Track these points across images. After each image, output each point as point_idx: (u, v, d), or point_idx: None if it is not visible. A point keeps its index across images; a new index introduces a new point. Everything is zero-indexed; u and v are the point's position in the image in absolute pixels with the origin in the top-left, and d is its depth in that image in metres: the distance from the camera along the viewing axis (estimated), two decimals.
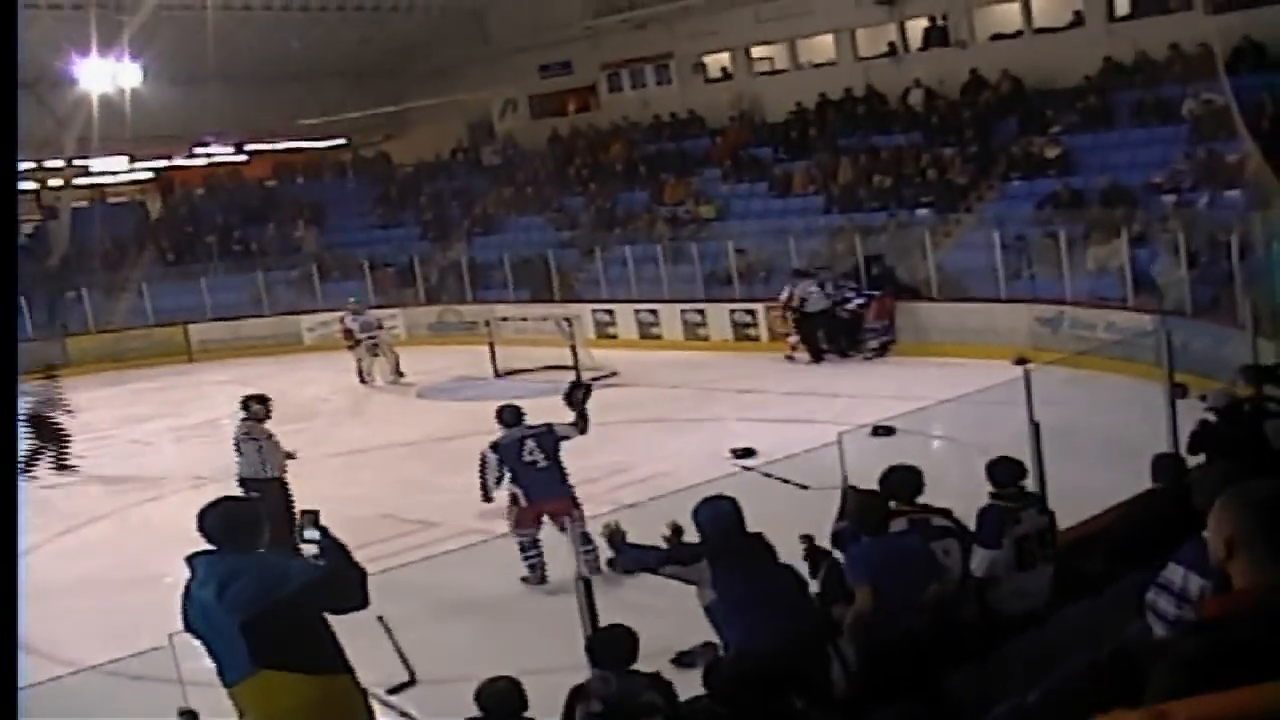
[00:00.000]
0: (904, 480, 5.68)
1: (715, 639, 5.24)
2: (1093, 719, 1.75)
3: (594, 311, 20.91)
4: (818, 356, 17.26)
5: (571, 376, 16.39)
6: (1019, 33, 20.90)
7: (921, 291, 17.65)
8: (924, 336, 17.07)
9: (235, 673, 4.06)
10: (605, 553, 6.06)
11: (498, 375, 18.14)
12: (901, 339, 17.27)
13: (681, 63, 25.24)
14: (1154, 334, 10.68)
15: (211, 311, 24.41)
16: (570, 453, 9.11)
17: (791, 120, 22.90)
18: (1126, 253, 15.13)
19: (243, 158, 29.91)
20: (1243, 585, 2.04)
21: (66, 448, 14.46)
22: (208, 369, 22.53)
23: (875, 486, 5.64)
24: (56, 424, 14.45)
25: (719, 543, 5.06)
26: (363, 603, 4.24)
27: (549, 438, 8.81)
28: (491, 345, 18.60)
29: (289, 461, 9.93)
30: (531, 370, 17.68)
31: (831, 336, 17.31)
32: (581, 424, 8.95)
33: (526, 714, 4.47)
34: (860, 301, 17.23)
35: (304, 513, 4.38)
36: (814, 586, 5.50)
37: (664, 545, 5.54)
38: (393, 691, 6.76)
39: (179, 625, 4.17)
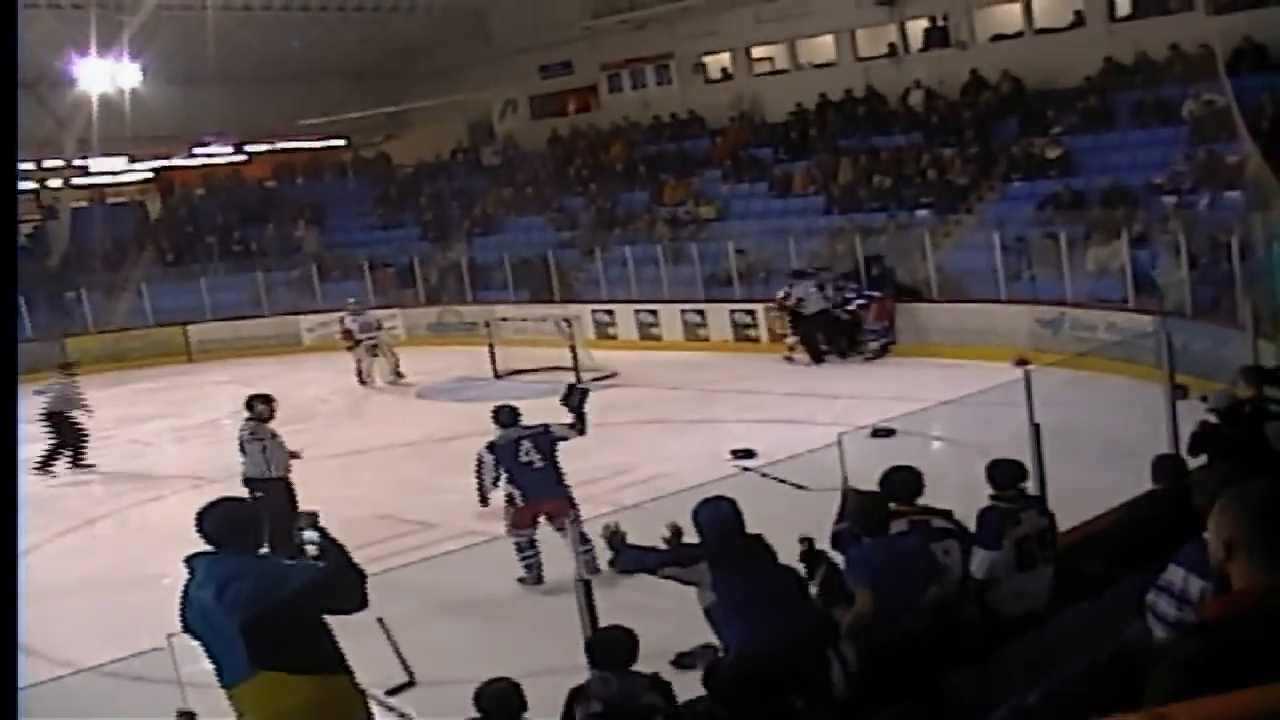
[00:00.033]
0: (904, 481, 5.67)
1: (715, 640, 5.23)
2: None
3: (594, 312, 20.91)
4: (817, 358, 17.25)
5: (571, 377, 16.46)
6: (1019, 33, 20.90)
7: (922, 292, 17.64)
8: (924, 338, 17.06)
9: (234, 674, 4.06)
10: (603, 552, 6.05)
11: (498, 376, 18.14)
12: (901, 340, 17.26)
13: (682, 63, 25.24)
14: (1154, 335, 10.66)
15: (211, 312, 24.41)
16: (570, 453, 9.11)
17: (791, 121, 22.90)
18: (1127, 254, 15.12)
19: (243, 158, 29.95)
20: (1242, 587, 2.04)
21: (84, 445, 14.52)
22: (208, 369, 22.53)
23: (875, 488, 5.63)
24: (75, 422, 14.51)
25: (718, 544, 5.05)
26: (362, 604, 4.24)
27: (545, 438, 8.80)
28: (491, 346, 18.59)
29: (292, 461, 9.94)
30: (531, 371, 17.68)
31: (831, 338, 17.30)
32: (579, 425, 8.94)
33: (526, 715, 4.46)
34: (860, 302, 17.22)
35: (302, 514, 4.38)
36: (812, 589, 5.49)
37: (664, 546, 5.54)
38: (392, 693, 6.76)
39: (178, 626, 4.17)
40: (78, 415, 14.57)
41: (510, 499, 8.77)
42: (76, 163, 26.25)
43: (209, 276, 25.11)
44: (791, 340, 17.59)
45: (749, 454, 11.54)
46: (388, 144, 30.75)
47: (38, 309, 22.69)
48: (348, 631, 4.32)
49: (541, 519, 8.68)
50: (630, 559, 5.51)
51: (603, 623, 5.15)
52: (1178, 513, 4.79)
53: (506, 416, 8.96)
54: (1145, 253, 15.38)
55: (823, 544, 5.77)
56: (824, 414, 13.17)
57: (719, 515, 5.08)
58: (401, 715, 6.57)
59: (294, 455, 9.94)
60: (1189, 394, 8.42)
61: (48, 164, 25.90)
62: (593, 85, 26.92)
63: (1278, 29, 16.79)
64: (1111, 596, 4.77)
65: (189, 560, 4.17)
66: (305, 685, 4.09)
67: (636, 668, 4.68)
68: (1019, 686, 3.89)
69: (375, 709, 4.67)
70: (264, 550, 4.40)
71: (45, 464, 14.25)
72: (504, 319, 20.09)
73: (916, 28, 22.05)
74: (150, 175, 30.28)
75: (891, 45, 22.29)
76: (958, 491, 6.17)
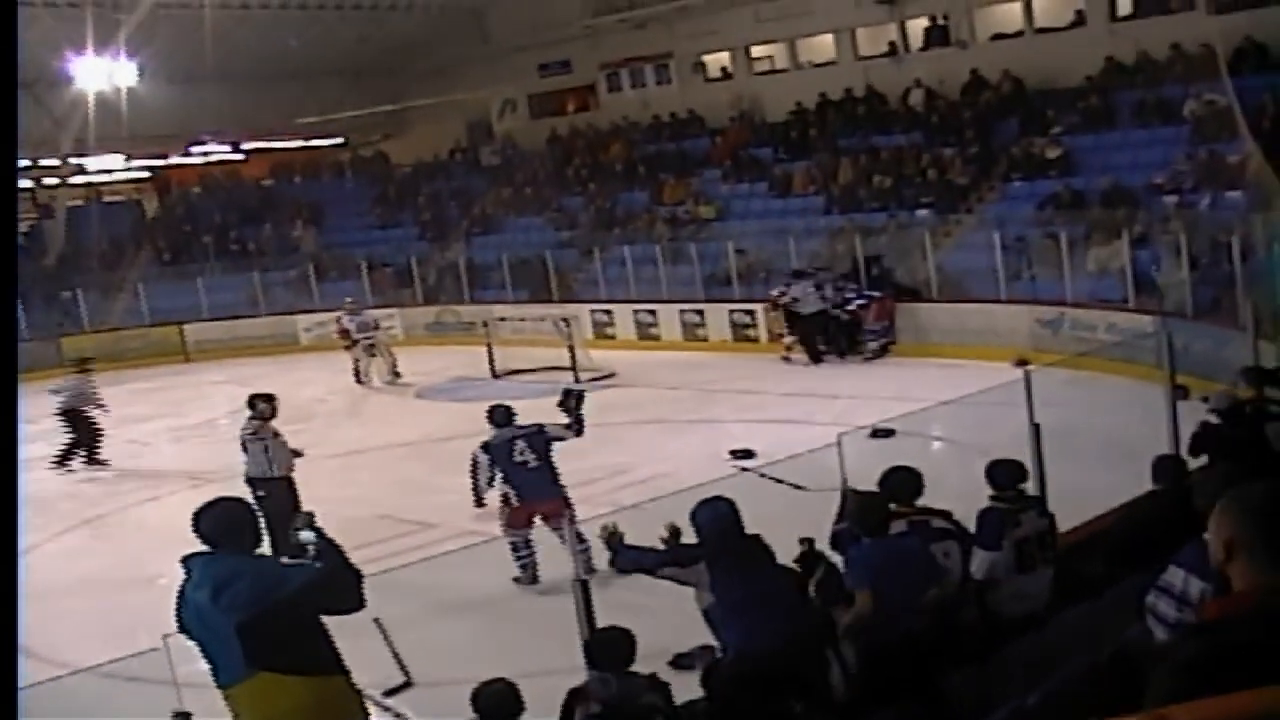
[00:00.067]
0: (904, 482, 5.65)
1: (713, 641, 5.21)
2: None
3: (592, 312, 20.89)
4: (816, 358, 17.24)
5: (570, 377, 16.46)
6: (1020, 32, 20.88)
7: (922, 292, 17.63)
8: (924, 338, 17.05)
9: (230, 675, 4.04)
10: (599, 552, 6.04)
11: (496, 376, 18.12)
12: (901, 340, 17.25)
13: (681, 62, 25.22)
14: (1155, 336, 10.67)
15: (208, 311, 24.38)
16: (568, 454, 9.09)
17: (791, 120, 22.88)
18: (1127, 254, 15.10)
19: (240, 157, 29.91)
20: (1243, 588, 2.03)
21: (99, 442, 14.57)
22: (205, 369, 22.50)
23: (875, 488, 5.62)
24: (91, 419, 14.54)
25: (717, 544, 5.03)
26: (359, 604, 4.22)
27: (540, 438, 8.79)
28: (489, 346, 18.58)
29: (294, 460, 9.92)
30: (530, 371, 17.66)
31: (831, 338, 17.29)
32: (576, 427, 8.93)
33: (523, 716, 4.44)
34: (860, 302, 17.21)
35: (298, 514, 4.36)
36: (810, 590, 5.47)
37: (662, 547, 5.52)
38: (389, 694, 6.75)
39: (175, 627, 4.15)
40: (93, 412, 14.65)
41: (505, 499, 8.77)
42: (73, 161, 26.21)
43: (206, 276, 25.06)
44: (788, 340, 17.58)
45: (748, 454, 11.52)
46: (386, 143, 30.71)
47: (34, 308, 22.65)
48: (344, 632, 4.30)
49: (537, 519, 8.66)
50: (628, 559, 5.50)
51: (600, 623, 5.14)
52: (1178, 513, 4.78)
53: (501, 416, 8.95)
54: (1146, 253, 15.36)
55: (822, 545, 5.76)
56: (823, 414, 13.16)
57: (718, 516, 5.07)
58: (398, 716, 6.56)
59: (296, 454, 9.94)
60: (1190, 395, 8.41)
61: (44, 163, 25.85)
62: (592, 84, 26.89)
63: (1279, 28, 16.78)
64: (1111, 597, 4.76)
65: (185, 561, 4.15)
66: (302, 686, 4.08)
67: (634, 669, 4.67)
68: (1019, 688, 3.88)
69: (372, 710, 4.65)
70: (262, 550, 4.38)
71: (63, 460, 14.38)
72: (502, 319, 20.06)
73: (917, 27, 22.04)
74: (147, 174, 30.24)
75: (891, 44, 22.27)
76: (957, 492, 6.15)
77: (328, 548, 4.20)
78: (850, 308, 17.17)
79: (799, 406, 14.20)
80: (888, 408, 11.22)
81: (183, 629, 4.14)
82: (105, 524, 12.41)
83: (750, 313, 19.02)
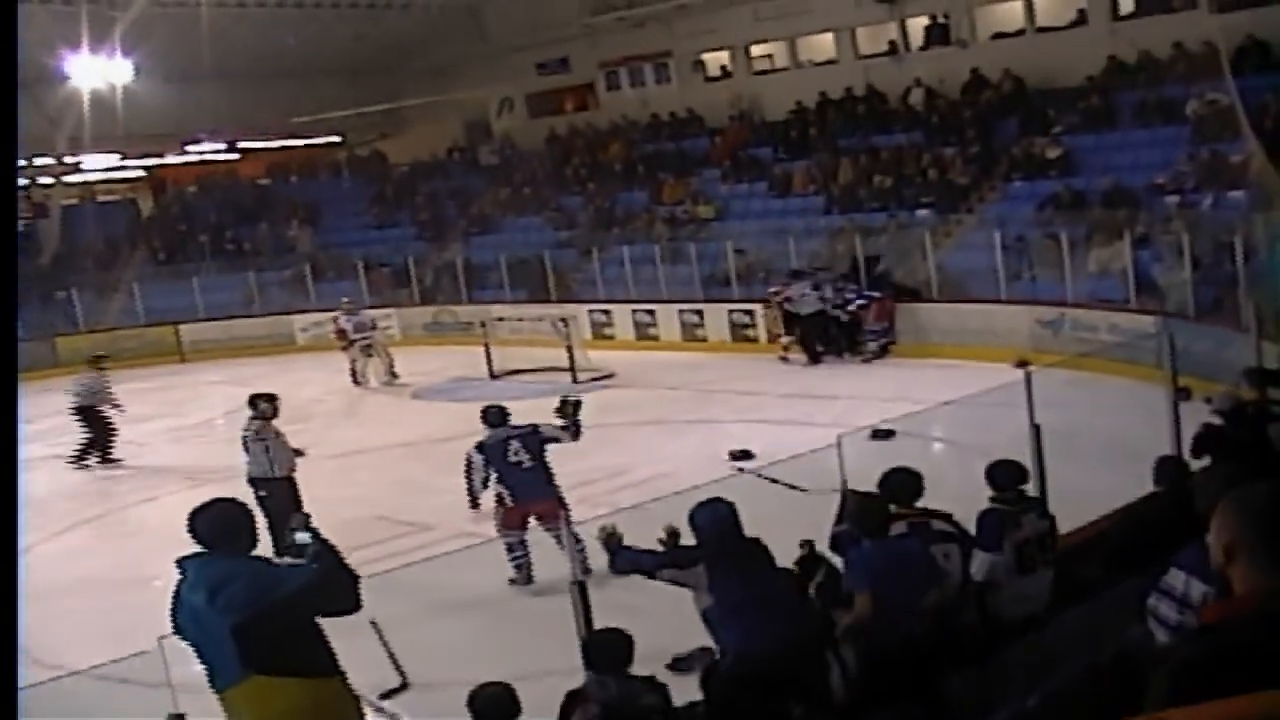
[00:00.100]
0: (904, 483, 5.63)
1: (711, 643, 5.19)
2: None
3: (591, 312, 20.85)
4: (814, 358, 17.21)
5: (568, 377, 16.44)
6: (1021, 31, 20.85)
7: (922, 293, 17.60)
8: (924, 338, 17.02)
9: (226, 677, 4.01)
10: (595, 552, 6.01)
11: (494, 376, 18.09)
12: (901, 340, 17.21)
13: (680, 61, 25.19)
14: (1156, 336, 10.65)
15: (204, 311, 24.34)
16: (567, 455, 9.07)
17: (791, 120, 22.86)
18: (1129, 254, 15.06)
19: (236, 156, 29.88)
20: (1243, 591, 2.01)
21: (113, 440, 14.59)
22: (201, 369, 22.48)
23: (875, 489, 5.59)
24: (106, 417, 14.53)
25: (716, 546, 5.01)
26: (355, 606, 4.19)
27: (534, 438, 8.77)
28: (487, 346, 18.54)
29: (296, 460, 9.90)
30: (528, 371, 17.63)
31: (830, 338, 17.26)
32: (573, 429, 8.90)
33: (520, 718, 4.42)
34: (860, 303, 17.18)
35: (294, 515, 4.34)
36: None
37: (660, 549, 5.50)
38: (385, 696, 6.72)
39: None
40: (107, 410, 14.66)
41: (500, 499, 8.75)
42: (68, 160, 26.17)
43: (201, 276, 25.04)
44: (785, 340, 17.55)
45: (747, 455, 11.50)
46: (383, 142, 30.67)
47: (29, 308, 22.66)
48: (341, 634, 4.28)
49: (532, 520, 8.64)
50: (627, 561, 5.48)
51: (598, 624, 5.11)
52: (1179, 515, 4.75)
53: (495, 416, 8.93)
54: (1147, 253, 15.31)
55: (822, 546, 5.73)
56: (823, 415, 13.12)
57: (717, 517, 5.05)
58: (394, 718, 6.53)
59: (298, 454, 9.92)
60: (1192, 396, 8.39)
61: (39, 161, 25.81)
62: (590, 83, 26.85)
63: None
64: (1111, 600, 4.74)
65: (180, 562, 4.13)
66: (298, 689, 4.05)
67: (632, 671, 4.64)
68: (1019, 690, 3.87)
69: (368, 712, 4.62)
70: (260, 551, 4.35)
71: (80, 458, 14.42)
72: (500, 319, 20.02)
73: (917, 26, 22.01)
74: (142, 173, 30.22)
75: (892, 43, 22.25)
76: (957, 493, 6.13)
77: (324, 549, 4.18)
78: (850, 308, 17.14)
79: (798, 407, 14.17)
80: (887, 408, 11.19)
81: (178, 631, 4.11)
82: (104, 524, 12.39)
83: (749, 313, 18.99)
